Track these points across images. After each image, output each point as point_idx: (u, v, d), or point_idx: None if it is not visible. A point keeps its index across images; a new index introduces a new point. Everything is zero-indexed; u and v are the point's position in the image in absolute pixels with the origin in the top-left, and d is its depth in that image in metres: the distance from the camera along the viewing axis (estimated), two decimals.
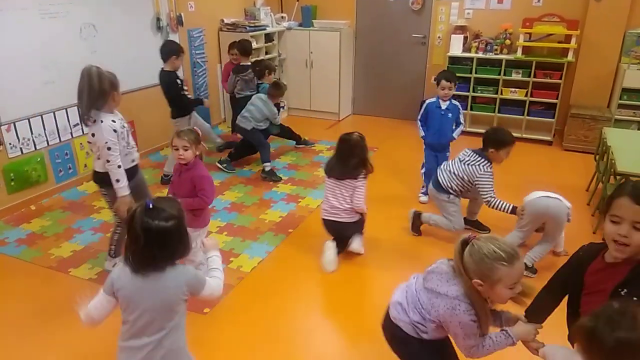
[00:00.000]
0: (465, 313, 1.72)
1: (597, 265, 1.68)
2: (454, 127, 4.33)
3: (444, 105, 4.23)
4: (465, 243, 1.73)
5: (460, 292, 1.74)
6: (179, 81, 4.50)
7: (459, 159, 3.63)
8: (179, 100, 4.54)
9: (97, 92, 2.91)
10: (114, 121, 2.99)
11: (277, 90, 5.12)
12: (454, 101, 4.28)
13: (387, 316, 2.04)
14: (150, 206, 1.69)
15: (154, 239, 1.67)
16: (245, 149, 5.31)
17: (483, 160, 3.50)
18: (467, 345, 1.79)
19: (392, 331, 2.00)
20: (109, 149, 2.94)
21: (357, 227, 3.53)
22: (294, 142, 5.90)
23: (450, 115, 4.25)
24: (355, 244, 3.53)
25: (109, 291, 1.80)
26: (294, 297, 3.19)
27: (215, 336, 2.82)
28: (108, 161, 2.96)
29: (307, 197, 4.60)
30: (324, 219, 3.53)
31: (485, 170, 3.48)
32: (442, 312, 1.78)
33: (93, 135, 2.96)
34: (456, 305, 1.73)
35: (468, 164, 3.54)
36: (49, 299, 3.15)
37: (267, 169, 4.99)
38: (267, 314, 3.02)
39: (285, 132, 5.77)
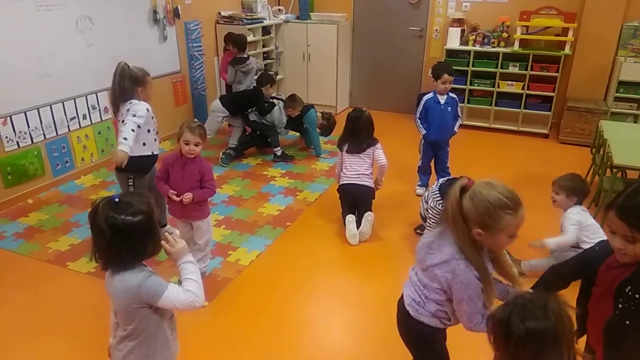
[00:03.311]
0: (466, 270, 1.63)
1: (611, 262, 1.64)
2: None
3: (442, 99, 4.19)
4: (463, 190, 1.62)
5: (454, 251, 1.66)
6: None
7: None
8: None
9: (118, 90, 3.23)
10: (147, 110, 3.26)
11: (291, 102, 5.37)
12: (451, 94, 4.25)
13: (403, 318, 1.90)
14: (116, 200, 1.61)
15: (121, 236, 1.57)
16: (252, 141, 5.51)
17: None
18: (471, 312, 1.67)
19: (415, 331, 1.88)
20: (134, 115, 3.15)
21: (372, 194, 3.85)
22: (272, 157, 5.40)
23: (449, 109, 4.23)
24: (366, 227, 3.68)
25: None
26: (292, 290, 3.20)
27: (213, 329, 2.83)
28: (125, 123, 3.14)
29: (305, 190, 4.60)
30: (346, 185, 3.79)
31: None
32: (444, 281, 1.69)
33: (128, 109, 3.18)
34: (455, 266, 1.65)
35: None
36: (47, 292, 3.16)
37: (278, 153, 5.28)
38: (265, 307, 3.04)
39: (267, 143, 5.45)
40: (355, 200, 3.82)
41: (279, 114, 5.33)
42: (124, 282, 1.63)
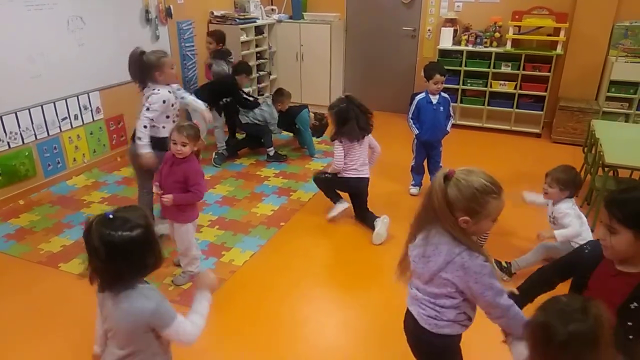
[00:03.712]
0: (472, 258, 1.61)
1: (606, 270, 1.62)
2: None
3: (434, 99, 4.20)
4: (446, 178, 1.61)
5: (451, 246, 1.63)
6: None
7: None
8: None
9: (133, 75, 3.40)
10: (169, 92, 3.37)
11: (279, 96, 5.36)
12: (443, 94, 4.26)
13: (421, 337, 1.82)
14: (110, 217, 1.52)
15: (118, 253, 1.49)
16: (245, 141, 5.51)
17: None
18: (494, 294, 1.61)
19: (437, 346, 1.81)
20: (147, 109, 3.27)
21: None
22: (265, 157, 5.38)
23: (442, 109, 4.24)
24: (383, 230, 3.70)
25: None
26: (286, 290, 3.19)
27: (206, 330, 2.80)
28: (138, 118, 3.28)
29: (299, 190, 4.60)
30: (356, 178, 3.81)
31: None
32: (458, 281, 1.64)
33: (147, 98, 3.30)
34: (460, 261, 1.61)
35: None
36: (39, 294, 3.13)
37: (271, 153, 5.25)
38: (259, 307, 3.03)
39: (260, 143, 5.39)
40: (358, 191, 3.90)
41: (269, 110, 5.27)
42: (135, 305, 1.55)
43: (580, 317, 1.25)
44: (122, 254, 1.50)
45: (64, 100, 4.57)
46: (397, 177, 4.68)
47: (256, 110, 5.25)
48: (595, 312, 1.26)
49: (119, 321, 1.59)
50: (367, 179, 3.86)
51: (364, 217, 3.88)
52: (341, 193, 4.00)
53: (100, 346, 1.76)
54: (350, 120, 3.70)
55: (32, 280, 3.28)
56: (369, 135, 3.84)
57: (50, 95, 4.45)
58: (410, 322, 1.84)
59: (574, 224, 3.08)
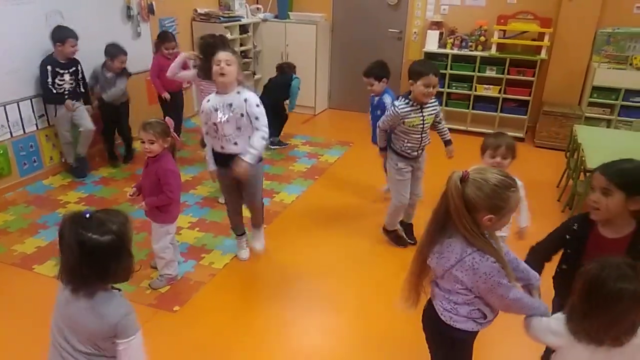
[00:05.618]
0: (482, 260, 1.63)
1: (598, 241, 1.84)
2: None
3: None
4: (462, 180, 1.62)
5: (463, 246, 1.65)
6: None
7: None
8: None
9: None
10: (208, 100, 3.00)
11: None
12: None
13: (436, 328, 1.86)
14: (87, 216, 1.48)
15: (85, 255, 1.45)
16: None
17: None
18: (503, 293, 1.66)
19: (450, 339, 1.84)
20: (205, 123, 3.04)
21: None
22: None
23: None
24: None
25: None
26: (267, 293, 3.14)
27: (185, 335, 2.76)
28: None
29: (282, 192, 4.54)
30: None
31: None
32: (467, 280, 1.67)
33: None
34: (471, 261, 1.63)
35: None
36: (12, 296, 3.05)
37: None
38: (240, 311, 2.98)
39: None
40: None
41: None
42: (101, 309, 1.51)
43: (633, 276, 1.41)
44: (87, 256, 1.46)
45: (41, 97, 4.45)
46: (382, 177, 4.65)
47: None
48: None
49: (82, 323, 1.54)
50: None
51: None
52: None
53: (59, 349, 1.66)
54: None
55: (5, 282, 3.18)
56: None
57: (27, 92, 4.33)
58: (431, 313, 1.87)
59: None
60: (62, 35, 4.24)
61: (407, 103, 3.21)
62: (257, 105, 2.93)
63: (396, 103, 3.25)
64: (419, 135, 3.31)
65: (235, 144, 2.96)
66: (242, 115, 2.90)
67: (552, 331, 1.61)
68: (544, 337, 1.66)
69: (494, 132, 2.92)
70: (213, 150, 3.08)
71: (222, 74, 2.84)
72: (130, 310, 1.57)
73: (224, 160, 3.03)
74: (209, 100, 2.98)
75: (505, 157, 2.81)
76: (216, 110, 2.91)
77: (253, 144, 2.94)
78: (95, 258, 1.46)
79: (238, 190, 3.21)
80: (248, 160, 2.93)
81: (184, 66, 4.27)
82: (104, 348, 1.58)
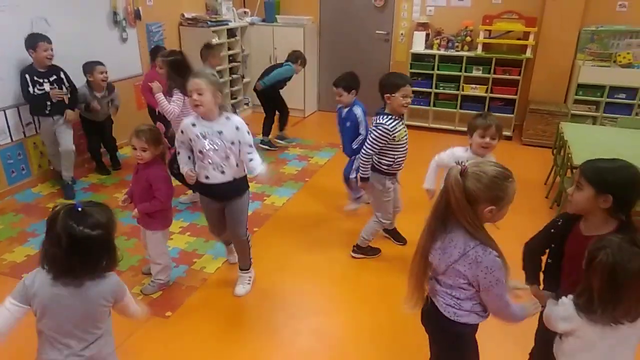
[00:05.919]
0: (485, 254, 1.65)
1: (576, 237, 1.85)
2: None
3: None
4: (462, 174, 1.64)
5: (466, 240, 1.67)
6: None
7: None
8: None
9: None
10: (193, 124, 2.72)
11: (208, 49, 4.95)
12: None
13: (440, 325, 1.87)
14: (79, 209, 1.56)
15: (75, 247, 1.53)
16: None
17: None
18: (499, 293, 1.69)
19: (454, 334, 1.86)
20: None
21: None
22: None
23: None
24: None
25: (20, 298, 1.65)
26: (259, 297, 3.14)
27: (178, 340, 2.75)
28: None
29: (273, 195, 4.55)
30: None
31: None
32: (469, 274, 1.69)
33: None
34: (474, 255, 1.65)
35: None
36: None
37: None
38: (232, 316, 2.98)
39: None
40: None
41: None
42: (94, 290, 1.64)
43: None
44: (78, 249, 1.54)
45: (28, 105, 4.42)
46: None
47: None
48: None
49: (76, 310, 1.63)
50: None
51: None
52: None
53: (63, 349, 1.68)
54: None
55: None
56: None
57: (13, 99, 4.30)
58: (432, 311, 1.87)
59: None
60: (32, 40, 4.14)
61: (391, 118, 3.14)
62: (248, 132, 2.78)
63: (382, 121, 3.13)
64: (405, 145, 3.27)
65: (223, 172, 2.77)
66: (232, 143, 2.72)
67: (562, 317, 1.66)
68: (556, 325, 1.70)
69: (482, 113, 2.92)
70: (197, 179, 2.84)
71: (197, 106, 2.62)
72: (117, 278, 1.74)
73: (209, 189, 2.86)
74: (194, 125, 2.71)
75: (494, 137, 2.83)
76: (204, 137, 2.68)
77: (254, 164, 2.83)
78: (88, 251, 1.55)
79: (223, 219, 3.03)
80: (262, 171, 2.86)
81: (164, 92, 3.86)
82: (100, 320, 1.71)
